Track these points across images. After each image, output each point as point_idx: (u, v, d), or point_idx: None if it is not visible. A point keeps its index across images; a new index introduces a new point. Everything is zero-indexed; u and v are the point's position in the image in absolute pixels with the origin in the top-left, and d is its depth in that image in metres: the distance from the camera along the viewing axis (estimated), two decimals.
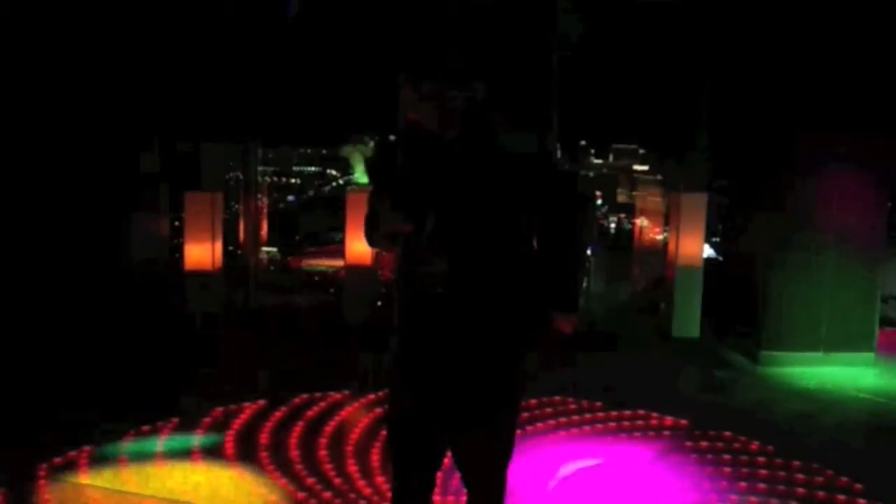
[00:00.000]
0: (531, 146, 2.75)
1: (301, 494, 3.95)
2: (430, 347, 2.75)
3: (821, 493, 4.09)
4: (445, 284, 2.70)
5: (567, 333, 2.93)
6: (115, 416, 4.89)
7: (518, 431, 4.68)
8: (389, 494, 3.88)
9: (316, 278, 10.56)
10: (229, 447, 4.50)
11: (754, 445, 4.69)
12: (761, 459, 4.50)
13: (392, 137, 2.83)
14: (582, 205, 2.79)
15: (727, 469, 4.36)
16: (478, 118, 2.72)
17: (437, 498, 3.88)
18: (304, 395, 5.31)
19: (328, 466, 4.28)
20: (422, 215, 2.71)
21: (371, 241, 2.89)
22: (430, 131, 2.72)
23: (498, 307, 2.74)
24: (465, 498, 3.00)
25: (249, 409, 5.07)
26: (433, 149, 2.73)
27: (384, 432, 4.63)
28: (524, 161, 2.72)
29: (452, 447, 2.80)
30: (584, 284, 8.98)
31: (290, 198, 18.79)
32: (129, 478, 4.06)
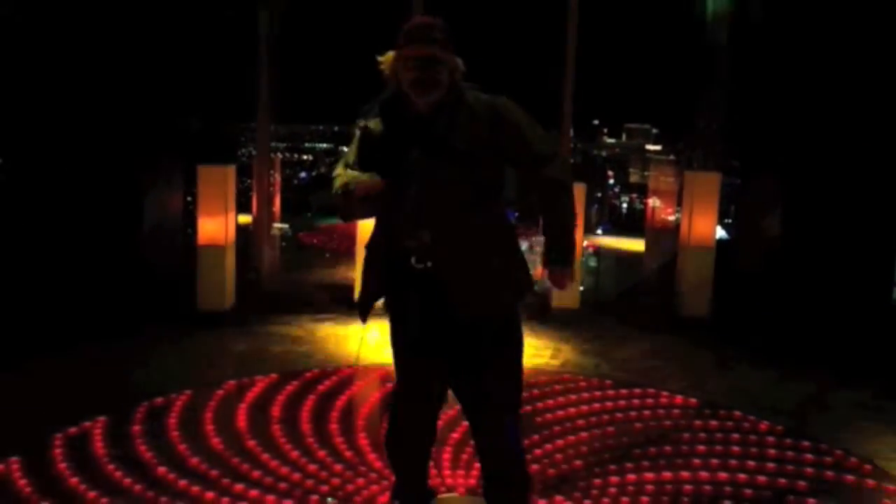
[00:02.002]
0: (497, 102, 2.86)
1: (312, 467, 3.99)
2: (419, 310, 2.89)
3: (829, 474, 4.11)
4: (432, 257, 2.77)
5: (564, 287, 3.05)
6: (129, 387, 4.95)
7: (528, 408, 4.74)
8: None
9: (327, 255, 10.60)
10: (241, 419, 4.54)
11: (764, 425, 4.70)
12: (771, 439, 4.51)
13: (370, 124, 2.92)
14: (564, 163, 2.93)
15: (736, 448, 4.37)
16: (457, 89, 2.84)
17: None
18: (316, 370, 5.35)
19: (339, 440, 4.31)
20: (404, 187, 2.77)
21: (345, 212, 2.95)
22: (411, 103, 2.83)
23: (483, 274, 2.84)
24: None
25: (262, 382, 5.11)
26: (413, 120, 2.80)
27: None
28: (492, 115, 2.82)
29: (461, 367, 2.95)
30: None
31: (302, 174, 18.81)
32: None
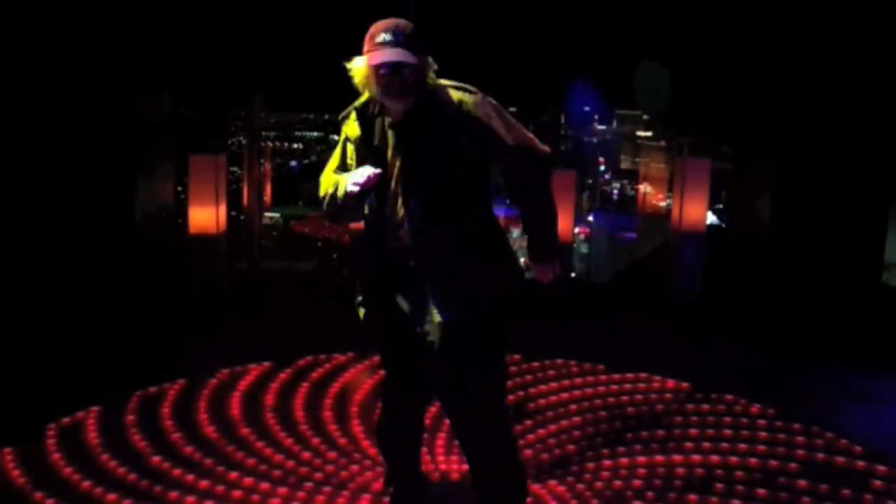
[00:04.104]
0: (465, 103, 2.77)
1: (307, 454, 4.00)
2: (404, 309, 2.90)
3: (820, 456, 4.14)
4: (416, 256, 2.77)
5: (549, 281, 3.01)
6: (122, 377, 4.95)
7: (521, 393, 4.75)
8: None
9: (319, 243, 10.59)
10: (235, 407, 4.54)
11: (755, 408, 4.73)
12: (762, 422, 4.54)
13: (348, 130, 2.93)
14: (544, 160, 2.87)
15: (728, 432, 4.40)
16: (428, 90, 2.77)
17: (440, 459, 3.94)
18: (309, 357, 5.36)
19: (333, 427, 4.32)
20: (384, 189, 2.78)
21: (337, 213, 2.95)
22: (380, 110, 2.81)
23: (464, 276, 2.83)
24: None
25: (255, 370, 5.11)
26: (388, 125, 2.79)
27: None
28: (460, 114, 2.75)
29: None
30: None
31: (293, 163, 18.74)
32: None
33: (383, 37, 2.67)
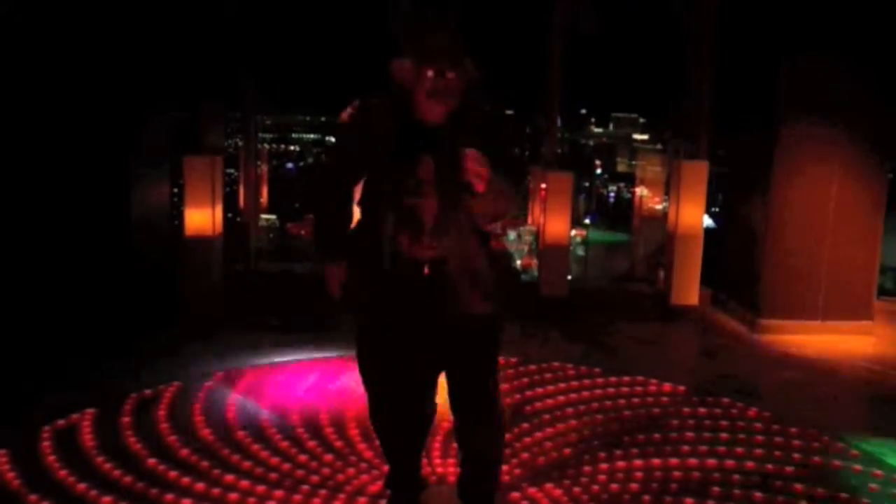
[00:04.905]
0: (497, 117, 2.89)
1: (303, 457, 3.99)
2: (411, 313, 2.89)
3: (817, 459, 4.14)
4: (442, 265, 2.78)
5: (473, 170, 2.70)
6: (117, 379, 4.93)
7: (518, 396, 4.75)
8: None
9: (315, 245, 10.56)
10: (231, 410, 4.53)
11: (752, 411, 4.73)
12: (758, 425, 4.54)
13: (374, 100, 2.87)
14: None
15: (725, 435, 4.40)
16: (469, 97, 2.80)
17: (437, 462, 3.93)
18: (305, 360, 5.34)
19: (329, 430, 4.31)
20: (411, 196, 2.77)
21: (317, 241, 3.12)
22: (417, 109, 2.78)
23: (475, 277, 2.86)
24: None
25: (251, 372, 5.10)
26: (420, 128, 2.78)
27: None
28: (489, 126, 2.83)
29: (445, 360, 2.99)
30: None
31: (289, 165, 18.73)
32: None
33: (436, 40, 2.70)
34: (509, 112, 2.91)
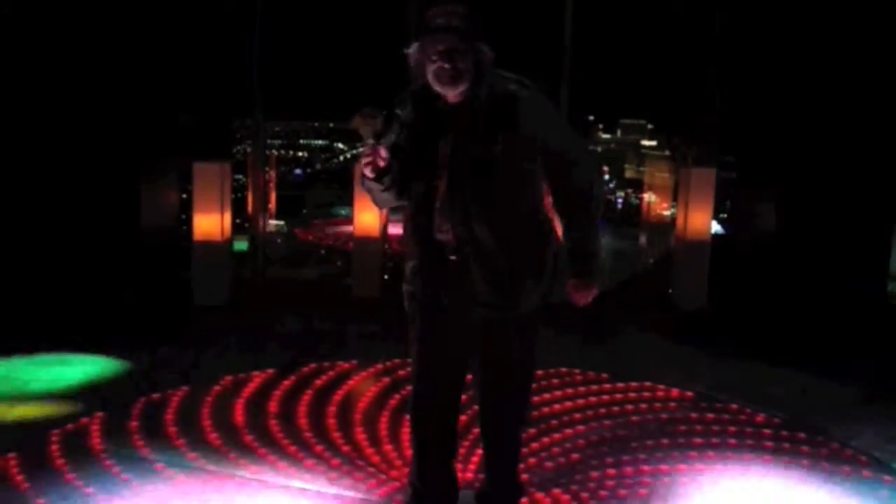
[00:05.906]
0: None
1: (310, 462, 3.99)
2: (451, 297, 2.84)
3: (825, 465, 4.12)
4: (461, 251, 2.74)
5: (584, 303, 2.93)
6: (128, 383, 4.95)
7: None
8: (397, 462, 3.95)
9: (322, 251, 10.59)
10: (238, 414, 4.54)
11: (760, 417, 4.72)
12: (767, 431, 4.53)
13: (398, 111, 2.85)
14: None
15: (733, 441, 4.38)
16: (483, 78, 2.73)
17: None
18: (313, 365, 5.35)
19: (337, 434, 4.32)
20: (434, 179, 2.74)
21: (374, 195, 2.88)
22: (440, 94, 2.74)
23: (509, 274, 2.78)
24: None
25: (258, 377, 5.11)
26: (442, 111, 2.76)
27: (392, 402, 4.71)
28: (514, 109, 2.72)
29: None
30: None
31: (298, 171, 18.78)
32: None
33: (437, 22, 2.64)
34: (530, 89, 2.76)
